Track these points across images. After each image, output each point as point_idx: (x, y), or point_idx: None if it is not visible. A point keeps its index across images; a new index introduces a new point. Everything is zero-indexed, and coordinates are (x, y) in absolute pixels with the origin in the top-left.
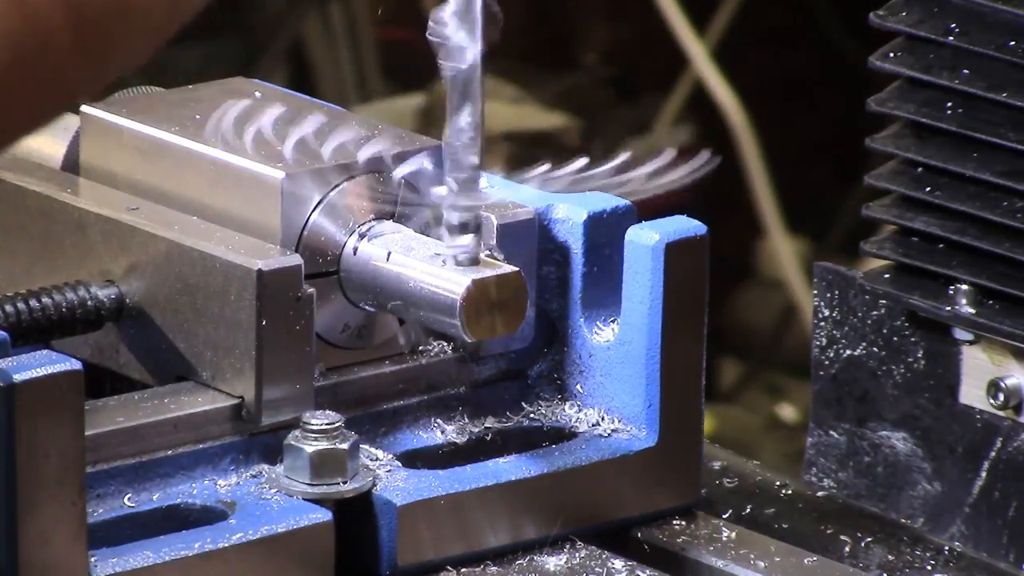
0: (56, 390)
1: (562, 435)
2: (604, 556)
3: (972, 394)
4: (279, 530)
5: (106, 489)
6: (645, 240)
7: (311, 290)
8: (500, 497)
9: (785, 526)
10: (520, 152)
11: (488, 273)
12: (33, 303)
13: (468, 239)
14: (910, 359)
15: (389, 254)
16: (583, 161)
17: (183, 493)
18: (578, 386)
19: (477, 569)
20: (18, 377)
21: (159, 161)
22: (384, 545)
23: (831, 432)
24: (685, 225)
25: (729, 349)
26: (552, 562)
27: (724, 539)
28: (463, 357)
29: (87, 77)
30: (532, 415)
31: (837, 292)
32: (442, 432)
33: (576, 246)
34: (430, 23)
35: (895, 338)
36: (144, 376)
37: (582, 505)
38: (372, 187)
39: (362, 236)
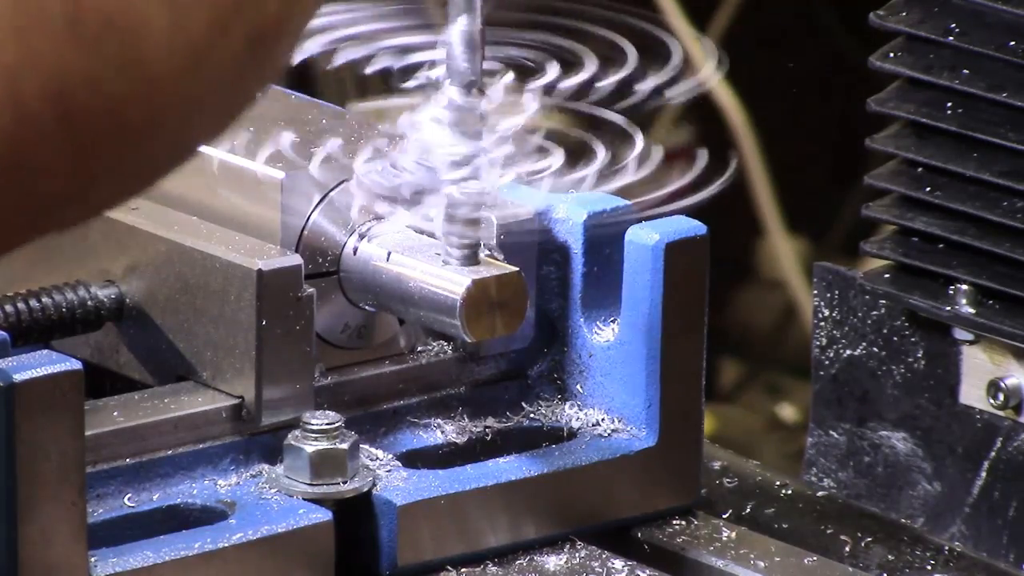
0: (56, 390)
1: (562, 435)
2: (604, 556)
3: (972, 394)
4: (279, 530)
5: (106, 489)
6: (645, 240)
7: (311, 290)
8: (500, 497)
9: (785, 526)
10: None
11: (488, 273)
12: (33, 303)
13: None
14: (910, 359)
15: (389, 254)
16: (588, 170)
17: (183, 493)
18: (578, 386)
19: (477, 569)
20: (18, 377)
21: None
22: (384, 545)
23: (831, 432)
24: (685, 225)
25: (729, 349)
26: (552, 562)
27: (724, 539)
28: (463, 357)
29: (72, 196)
30: (532, 415)
31: (837, 292)
32: (442, 432)
33: (576, 246)
34: None
35: (895, 338)
36: (144, 376)
37: (582, 505)
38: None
39: (362, 236)
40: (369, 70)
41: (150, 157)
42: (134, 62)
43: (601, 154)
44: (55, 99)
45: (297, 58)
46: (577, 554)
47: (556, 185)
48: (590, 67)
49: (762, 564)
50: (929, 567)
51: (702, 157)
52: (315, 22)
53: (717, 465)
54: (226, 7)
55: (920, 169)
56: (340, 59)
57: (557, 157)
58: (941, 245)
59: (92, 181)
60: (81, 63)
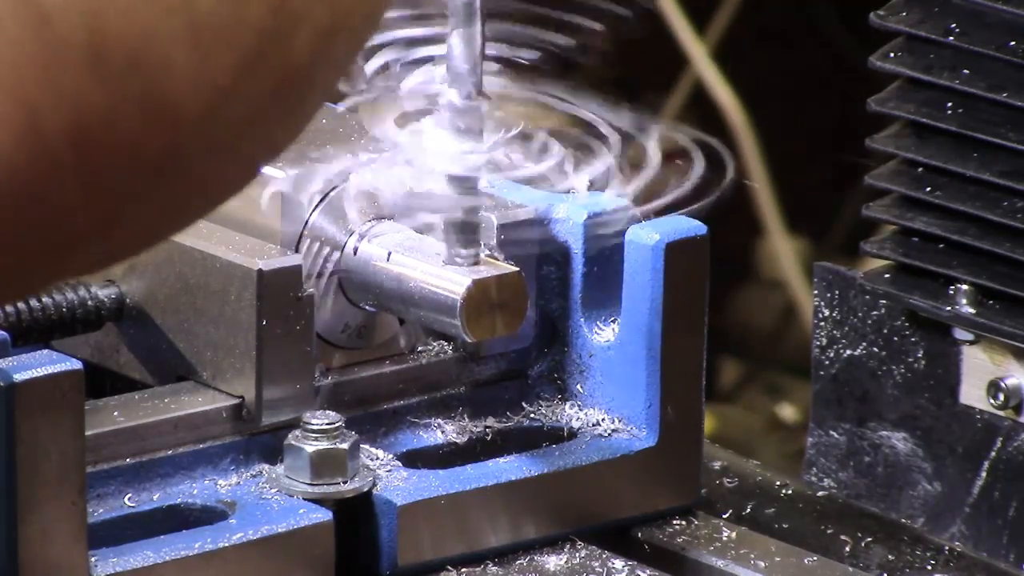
0: (56, 390)
1: (562, 435)
2: (604, 556)
3: (972, 394)
4: (279, 530)
5: (106, 489)
6: (645, 240)
7: (311, 290)
8: (500, 497)
9: (785, 526)
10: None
11: (488, 273)
12: (33, 303)
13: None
14: (910, 359)
15: (389, 254)
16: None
17: (183, 493)
18: (578, 386)
19: (477, 569)
20: (18, 377)
21: None
22: (384, 545)
23: (831, 432)
24: (685, 225)
25: (729, 349)
26: (552, 562)
27: (724, 539)
28: (463, 357)
29: (92, 234)
30: (532, 415)
31: (837, 292)
32: (442, 432)
33: (576, 246)
34: None
35: (895, 338)
36: (144, 376)
37: (582, 505)
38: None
39: (362, 236)
40: (369, 70)
41: (173, 199)
42: (156, 101)
43: (603, 157)
44: (74, 135)
45: None
46: (577, 554)
47: (556, 188)
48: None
49: (762, 564)
50: (929, 567)
51: (698, 162)
52: None
53: (717, 465)
54: (252, 51)
55: (920, 169)
56: None
57: (558, 158)
58: (941, 245)
59: (112, 220)
60: (102, 100)
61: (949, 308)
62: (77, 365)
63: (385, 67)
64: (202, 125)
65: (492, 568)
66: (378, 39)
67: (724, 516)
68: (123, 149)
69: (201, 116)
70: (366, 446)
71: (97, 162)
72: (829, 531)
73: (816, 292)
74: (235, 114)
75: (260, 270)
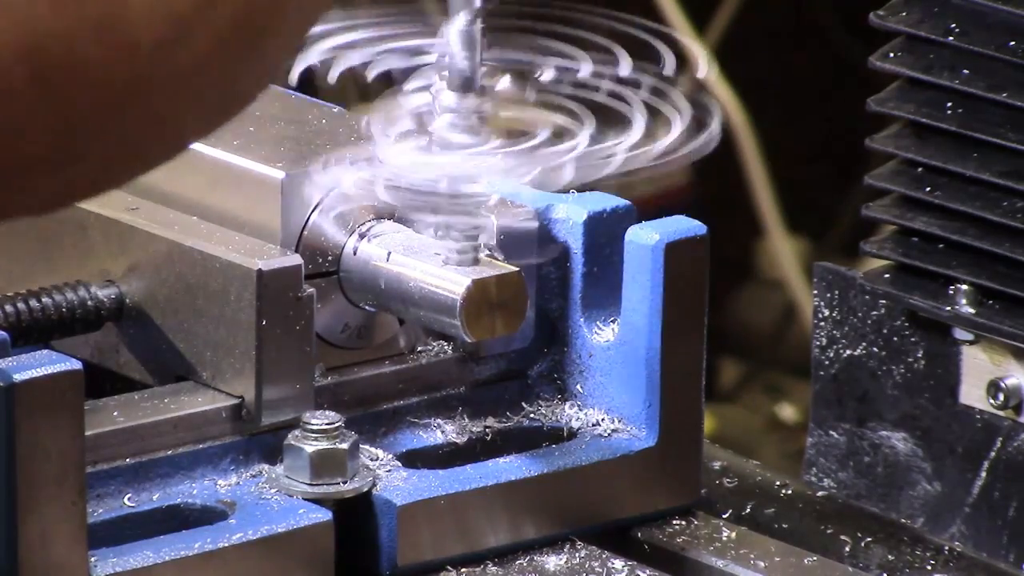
0: (56, 390)
1: (562, 435)
2: (604, 556)
3: (972, 394)
4: (279, 530)
5: (106, 489)
6: (645, 240)
7: (311, 290)
8: (500, 497)
9: (785, 526)
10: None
11: (488, 273)
12: (33, 303)
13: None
14: (910, 359)
15: (389, 254)
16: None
17: (183, 493)
18: (578, 386)
19: (477, 569)
20: (18, 377)
21: None
22: (384, 545)
23: (831, 432)
24: (685, 225)
25: (729, 349)
26: (552, 562)
27: (724, 539)
28: (463, 357)
29: (54, 162)
30: (532, 415)
31: (837, 292)
32: (442, 432)
33: (576, 246)
34: None
35: (895, 338)
36: (144, 376)
37: (582, 505)
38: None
39: (362, 236)
40: (370, 75)
41: (136, 133)
42: (112, 25)
43: (587, 131)
44: (28, 57)
45: (298, 68)
46: (577, 554)
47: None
48: (586, 67)
49: (762, 564)
50: (929, 567)
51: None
52: (315, 29)
53: (717, 465)
54: None
55: (920, 169)
56: (341, 66)
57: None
58: (941, 245)
59: (74, 148)
60: (56, 22)
61: (949, 308)
62: (77, 365)
63: (386, 73)
64: (161, 54)
65: (492, 568)
66: (379, 47)
67: (724, 516)
68: (80, 73)
69: (159, 45)
70: (366, 446)
71: (53, 84)
72: (829, 531)
73: (816, 292)
74: (194, 46)
75: (260, 270)
